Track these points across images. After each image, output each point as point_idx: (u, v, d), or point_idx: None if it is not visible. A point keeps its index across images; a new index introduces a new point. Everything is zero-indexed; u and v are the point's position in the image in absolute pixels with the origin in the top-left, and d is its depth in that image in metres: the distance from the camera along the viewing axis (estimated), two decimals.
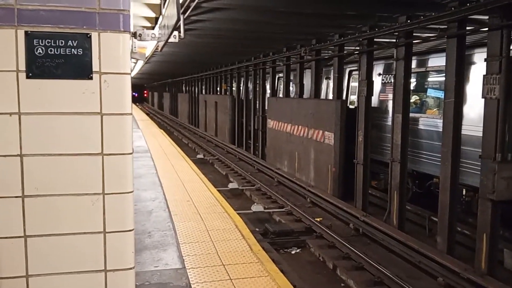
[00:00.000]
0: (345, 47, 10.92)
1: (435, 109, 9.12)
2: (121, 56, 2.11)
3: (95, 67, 2.08)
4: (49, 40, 2.03)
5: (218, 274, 4.24)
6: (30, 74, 2.03)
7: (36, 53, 2.02)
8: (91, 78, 2.07)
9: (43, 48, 2.03)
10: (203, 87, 27.33)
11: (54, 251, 2.10)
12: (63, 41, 2.04)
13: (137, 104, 60.54)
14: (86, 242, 2.12)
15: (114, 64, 2.09)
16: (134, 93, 74.21)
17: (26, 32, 2.01)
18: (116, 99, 2.10)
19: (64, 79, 2.05)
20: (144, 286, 4.05)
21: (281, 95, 15.40)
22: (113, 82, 2.09)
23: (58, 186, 2.08)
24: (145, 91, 72.25)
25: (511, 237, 7.33)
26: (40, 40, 2.02)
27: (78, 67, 2.06)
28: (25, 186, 2.06)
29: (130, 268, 2.19)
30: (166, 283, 4.11)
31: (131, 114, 2.14)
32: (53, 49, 2.04)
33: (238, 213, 7.51)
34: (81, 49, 2.06)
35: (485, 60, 6.30)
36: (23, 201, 2.07)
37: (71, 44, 2.05)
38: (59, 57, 2.04)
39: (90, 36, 2.06)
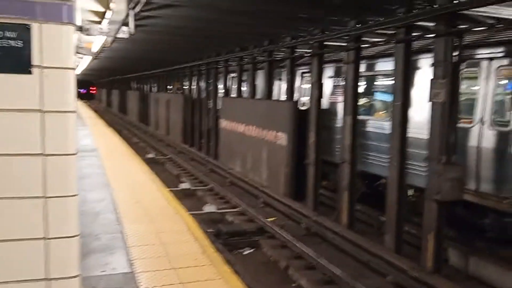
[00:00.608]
0: (297, 49, 11.01)
1: (382, 112, 9.35)
2: (64, 50, 1.98)
3: (35, 61, 1.93)
4: None
5: (169, 278, 4.12)
6: None
7: None
8: (30, 72, 1.93)
9: None
10: (155, 85, 26.82)
11: None
12: (1, 32, 1.89)
13: (85, 101, 58.61)
14: (26, 249, 1.97)
15: (56, 57, 1.96)
16: (82, 90, 71.93)
17: None
18: (58, 96, 1.97)
19: (1, 73, 1.89)
20: None
21: (234, 95, 15.34)
22: (55, 77, 1.96)
23: None
24: (94, 88, 70.09)
25: (456, 236, 7.61)
26: None
27: (17, 60, 1.91)
28: None
29: (75, 276, 2.06)
30: None
31: (75, 111, 2.01)
32: None
33: (190, 214, 7.41)
34: (20, 41, 1.91)
35: (432, 65, 6.50)
36: None
37: (10, 36, 1.90)
38: None
39: (30, 28, 1.92)
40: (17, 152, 1.92)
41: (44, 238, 1.97)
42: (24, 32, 1.92)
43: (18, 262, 1.96)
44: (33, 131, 1.94)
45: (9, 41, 1.90)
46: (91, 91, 70.94)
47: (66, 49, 1.99)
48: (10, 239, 1.94)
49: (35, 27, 1.93)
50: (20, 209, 1.95)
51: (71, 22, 1.99)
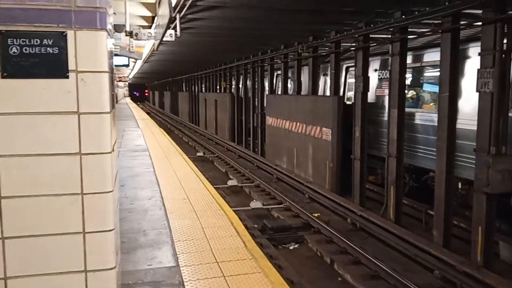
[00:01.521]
0: (342, 44, 10.90)
1: (431, 104, 9.09)
2: (98, 54, 2.10)
3: (71, 66, 2.07)
4: (24, 39, 2.02)
5: (212, 271, 4.24)
6: (5, 74, 2.02)
7: (10, 52, 2.01)
8: (67, 77, 2.07)
9: (18, 47, 2.02)
10: (203, 86, 27.33)
11: (32, 252, 2.10)
12: (38, 40, 2.04)
13: (138, 103, 60.56)
14: (65, 243, 2.11)
15: (90, 62, 2.08)
16: (135, 92, 74.45)
17: (0, 32, 2.00)
18: (93, 98, 2.10)
19: (39, 78, 2.05)
20: (137, 285, 4.05)
21: (279, 92, 15.38)
22: (90, 81, 2.09)
23: (36, 187, 2.07)
24: (146, 90, 72.31)
25: (507, 229, 7.31)
26: (14, 39, 2.01)
27: (54, 66, 2.05)
28: (1, 187, 2.05)
29: (112, 268, 2.19)
30: (159, 281, 4.11)
31: (109, 112, 2.14)
32: (28, 48, 2.03)
33: (236, 210, 7.55)
34: (56, 48, 2.05)
35: (479, 54, 6.27)
36: None
37: (47, 43, 2.04)
38: (34, 56, 2.04)
39: (66, 35, 2.06)
40: (55, 152, 2.06)
41: (82, 233, 2.11)
42: (60, 39, 2.05)
43: (57, 255, 2.09)
44: (70, 132, 2.07)
45: (46, 48, 2.04)
46: (144, 94, 73.26)
47: (100, 53, 2.12)
48: (50, 233, 2.09)
49: (70, 34, 2.06)
50: (59, 205, 2.08)
51: (103, 27, 2.11)
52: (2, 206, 2.06)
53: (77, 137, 2.09)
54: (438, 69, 7.65)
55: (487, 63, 6.08)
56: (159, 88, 52.58)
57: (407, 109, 8.47)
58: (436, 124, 7.70)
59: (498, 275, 5.68)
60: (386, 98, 9.49)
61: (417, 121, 9.01)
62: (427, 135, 8.61)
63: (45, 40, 2.04)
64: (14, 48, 2.02)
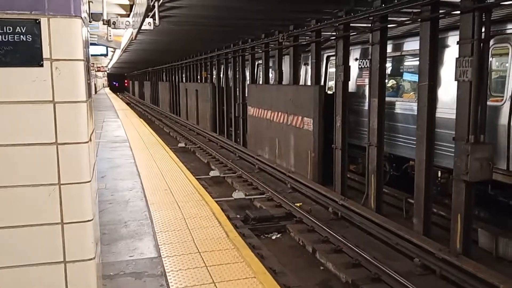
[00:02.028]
0: (322, 33, 10.89)
1: (411, 93, 9.19)
2: (73, 42, 2.05)
3: (45, 54, 2.02)
4: None
5: (194, 262, 4.24)
6: None
7: None
8: (41, 65, 2.02)
9: None
10: (184, 75, 27.12)
11: (10, 243, 2.06)
12: (11, 28, 1.98)
13: (118, 93, 59.82)
14: (44, 234, 2.08)
15: (65, 50, 2.03)
16: (114, 82, 73.48)
17: None
18: (69, 87, 2.05)
19: (13, 67, 1.99)
20: (118, 276, 4.03)
21: (260, 82, 15.35)
22: (65, 69, 2.04)
23: (12, 177, 2.03)
24: (126, 81, 71.45)
25: (485, 217, 7.46)
26: None
27: (28, 54, 2.00)
28: None
29: (91, 259, 2.16)
30: (141, 272, 4.09)
31: (85, 101, 2.09)
32: (0, 36, 1.97)
33: (219, 201, 7.54)
34: (30, 36, 2.00)
35: (458, 43, 6.33)
36: None
37: (20, 31, 1.98)
38: (7, 44, 1.98)
39: (39, 22, 2.00)
40: (30, 142, 2.02)
41: (60, 223, 2.07)
42: (33, 26, 1.99)
43: (36, 246, 2.06)
44: (46, 122, 2.03)
45: (20, 35, 1.98)
46: (124, 84, 72.39)
47: (75, 41, 2.07)
48: (27, 224, 2.05)
49: (44, 21, 2.00)
50: (36, 195, 2.05)
51: (78, 15, 2.06)
52: None
53: (53, 127, 2.04)
54: (418, 59, 7.72)
55: (465, 52, 6.14)
56: (139, 78, 52.00)
57: (386, 99, 8.53)
58: (415, 113, 7.79)
59: (476, 262, 5.79)
60: (366, 88, 9.56)
61: (397, 110, 9.10)
62: (407, 124, 8.70)
63: (18, 27, 1.98)
64: None
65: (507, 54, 6.85)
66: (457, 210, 6.27)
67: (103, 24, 9.42)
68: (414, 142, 7.48)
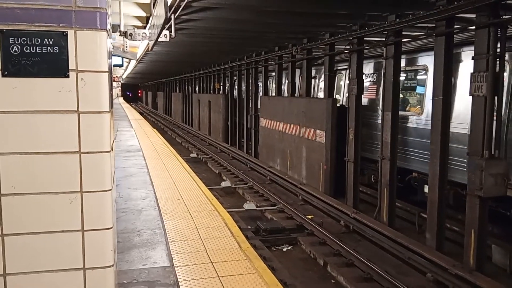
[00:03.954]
0: (336, 46, 10.95)
1: (417, 107, 9.24)
2: (98, 54, 2.11)
3: (71, 65, 2.08)
4: (25, 39, 2.03)
5: (206, 272, 4.25)
6: (6, 73, 2.03)
7: (11, 51, 2.02)
8: (67, 76, 2.07)
9: (19, 46, 2.03)
10: (197, 86, 27.32)
11: (32, 250, 2.10)
12: (39, 39, 2.04)
13: (131, 103, 60.37)
14: (64, 240, 2.12)
15: (91, 62, 2.09)
16: (128, 93, 74.21)
17: (1, 31, 2.01)
18: (93, 97, 2.10)
19: (40, 77, 2.06)
20: (131, 284, 4.05)
21: (273, 94, 15.42)
22: (90, 80, 2.10)
23: (36, 185, 2.08)
24: (139, 91, 72.12)
25: (499, 233, 7.38)
26: (15, 39, 2.02)
27: (55, 65, 2.06)
28: (2, 185, 2.05)
29: (110, 266, 2.19)
30: (153, 281, 4.11)
31: (108, 112, 2.14)
32: (29, 47, 2.04)
33: (230, 211, 7.55)
34: (57, 47, 2.06)
35: (473, 58, 6.34)
36: None
37: (47, 42, 2.05)
38: (35, 56, 2.04)
39: (66, 34, 2.06)
40: (55, 150, 2.07)
41: (81, 230, 2.12)
42: (60, 38, 2.06)
43: (56, 253, 2.10)
44: (70, 131, 2.08)
45: (47, 47, 2.05)
46: (137, 94, 73.06)
47: (100, 53, 2.13)
48: (49, 231, 2.10)
49: (70, 33, 2.07)
50: (59, 203, 2.09)
51: (103, 28, 2.12)
52: (2, 203, 2.07)
53: (76, 136, 2.09)
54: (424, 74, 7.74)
55: (480, 67, 6.14)
56: (152, 89, 52.47)
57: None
58: (418, 126, 7.82)
59: (490, 278, 5.73)
60: (377, 101, 9.61)
61: (401, 124, 9.13)
62: (411, 137, 8.70)
63: (45, 39, 2.05)
64: (15, 47, 2.03)
65: None
66: (471, 226, 6.22)
67: (120, 35, 9.60)
68: (417, 155, 7.47)
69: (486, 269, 6.21)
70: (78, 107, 2.09)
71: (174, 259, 4.52)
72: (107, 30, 2.17)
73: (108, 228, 2.16)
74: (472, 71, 6.30)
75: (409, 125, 9.05)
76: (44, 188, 2.09)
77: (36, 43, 2.04)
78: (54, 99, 2.07)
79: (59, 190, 2.10)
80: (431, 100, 7.34)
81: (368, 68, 10.67)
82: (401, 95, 9.64)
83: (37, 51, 2.05)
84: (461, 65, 7.84)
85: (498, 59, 6.06)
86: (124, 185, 7.92)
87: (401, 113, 8.80)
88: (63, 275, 2.13)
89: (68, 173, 2.10)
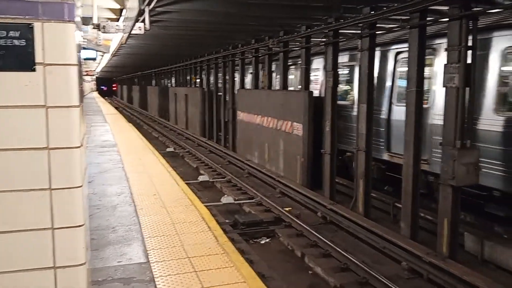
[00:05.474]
0: (312, 39, 10.97)
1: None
2: (66, 47, 2.06)
3: (38, 58, 2.02)
4: None
5: (183, 267, 4.22)
6: None
7: None
8: (34, 70, 2.02)
9: None
10: (173, 80, 27.06)
11: (0, 249, 2.04)
12: (4, 32, 1.98)
13: (106, 98, 59.41)
14: (34, 239, 2.07)
15: (58, 55, 2.04)
16: (103, 87, 72.99)
17: None
18: (61, 91, 2.05)
19: (5, 71, 1.99)
20: (106, 282, 3.99)
21: (250, 87, 15.39)
22: (58, 74, 2.04)
23: (2, 182, 2.02)
24: (114, 85, 71.02)
25: (472, 221, 7.55)
26: None
27: (21, 58, 2.00)
28: None
29: (81, 264, 2.15)
30: (129, 277, 4.06)
31: (78, 106, 2.09)
32: None
33: (208, 205, 7.52)
34: (24, 40, 2.00)
35: (446, 49, 6.43)
36: None
37: (13, 35, 1.99)
38: (1, 49, 1.98)
39: (33, 27, 2.00)
40: (23, 146, 2.01)
41: (51, 228, 2.07)
42: (27, 31, 2.00)
43: (25, 252, 2.05)
44: (38, 126, 2.02)
45: (12, 40, 1.98)
46: (112, 88, 71.94)
47: (68, 46, 2.07)
48: (18, 229, 2.04)
49: (37, 26, 2.01)
50: (27, 200, 2.04)
51: (72, 20, 2.07)
52: None
53: (44, 132, 2.04)
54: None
55: (453, 59, 6.24)
56: (128, 83, 51.74)
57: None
58: (355, 114, 8.38)
59: (463, 265, 5.86)
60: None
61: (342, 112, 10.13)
62: (350, 122, 9.85)
63: (11, 32, 1.98)
64: None
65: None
66: (443, 215, 6.34)
67: (93, 28, 9.40)
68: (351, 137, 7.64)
69: (459, 257, 6.35)
70: (46, 102, 2.04)
71: (150, 255, 4.48)
72: (75, 22, 2.11)
73: (79, 226, 2.11)
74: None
75: (347, 112, 10.39)
76: (11, 185, 2.03)
77: (1, 35, 1.98)
78: (20, 93, 2.01)
79: (27, 187, 2.04)
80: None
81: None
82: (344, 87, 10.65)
83: (2, 44, 1.98)
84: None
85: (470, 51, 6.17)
86: (99, 181, 7.79)
87: (343, 102, 9.67)
88: (33, 275, 2.08)
89: (37, 169, 2.04)
